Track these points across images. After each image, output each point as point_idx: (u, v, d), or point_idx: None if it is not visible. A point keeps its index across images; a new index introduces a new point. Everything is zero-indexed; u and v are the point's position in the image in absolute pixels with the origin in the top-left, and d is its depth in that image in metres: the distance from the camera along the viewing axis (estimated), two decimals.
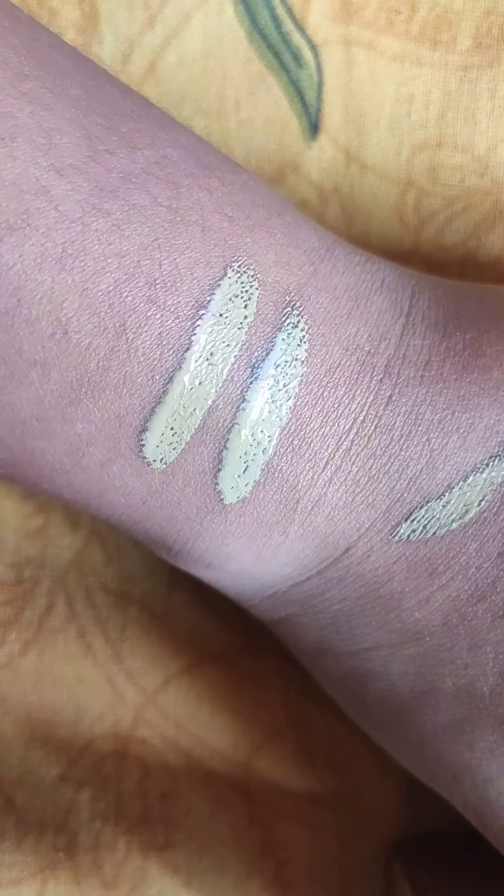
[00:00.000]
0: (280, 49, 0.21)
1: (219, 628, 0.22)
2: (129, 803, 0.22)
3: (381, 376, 0.17)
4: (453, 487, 0.16)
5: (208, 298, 0.16)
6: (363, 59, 0.21)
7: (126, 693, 0.22)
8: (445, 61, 0.21)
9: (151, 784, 0.22)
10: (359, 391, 0.16)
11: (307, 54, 0.21)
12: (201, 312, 0.16)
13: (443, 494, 0.16)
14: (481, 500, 0.16)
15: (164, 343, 0.15)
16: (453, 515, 0.16)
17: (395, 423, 0.16)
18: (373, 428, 0.16)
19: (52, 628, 0.22)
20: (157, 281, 0.15)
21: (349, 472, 0.16)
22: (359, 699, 0.18)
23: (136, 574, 0.22)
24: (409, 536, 0.17)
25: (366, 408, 0.16)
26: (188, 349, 0.15)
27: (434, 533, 0.16)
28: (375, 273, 0.17)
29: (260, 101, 0.21)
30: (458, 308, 0.17)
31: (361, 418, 0.16)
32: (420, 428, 0.16)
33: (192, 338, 0.15)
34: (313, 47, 0.21)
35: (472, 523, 0.16)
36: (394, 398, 0.17)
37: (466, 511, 0.16)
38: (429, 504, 0.16)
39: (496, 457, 0.16)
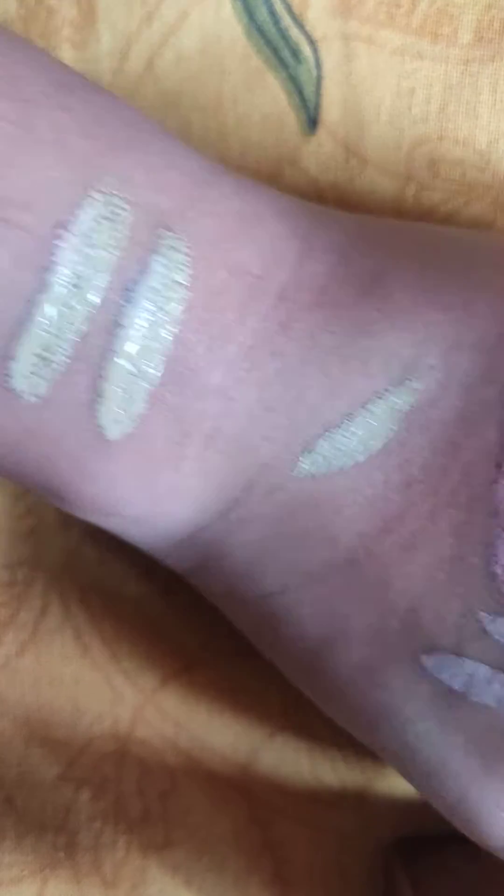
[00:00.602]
0: (278, 45, 0.21)
1: (216, 626, 0.23)
2: (128, 803, 0.23)
3: (273, 301, 0.16)
4: (355, 416, 0.16)
5: (69, 219, 0.15)
6: (363, 52, 0.21)
7: (125, 693, 0.23)
8: (447, 55, 0.22)
9: (151, 784, 0.23)
10: (250, 317, 0.16)
11: (306, 49, 0.21)
12: (60, 232, 0.15)
13: (344, 424, 0.16)
14: (385, 429, 0.16)
15: (21, 264, 0.15)
16: (357, 446, 0.16)
17: (289, 349, 0.16)
18: (266, 355, 0.16)
19: (48, 629, 0.22)
20: (11, 201, 0.15)
21: (243, 403, 0.16)
22: (275, 646, 0.18)
23: (131, 573, 0.23)
24: (311, 471, 0.16)
25: (258, 334, 0.16)
26: (49, 270, 0.15)
27: (338, 466, 0.16)
28: (271, 200, 0.17)
29: (258, 96, 0.21)
30: (362, 234, 0.17)
31: (253, 344, 0.16)
32: (317, 354, 0.16)
33: (53, 259, 0.15)
34: (312, 42, 0.21)
35: (377, 454, 0.16)
36: (288, 324, 0.16)
37: (370, 441, 0.16)
38: (330, 435, 0.16)
39: (399, 383, 0.16)
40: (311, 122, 0.22)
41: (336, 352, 0.16)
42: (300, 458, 0.16)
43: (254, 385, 0.16)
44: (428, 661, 0.16)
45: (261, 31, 0.21)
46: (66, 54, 0.21)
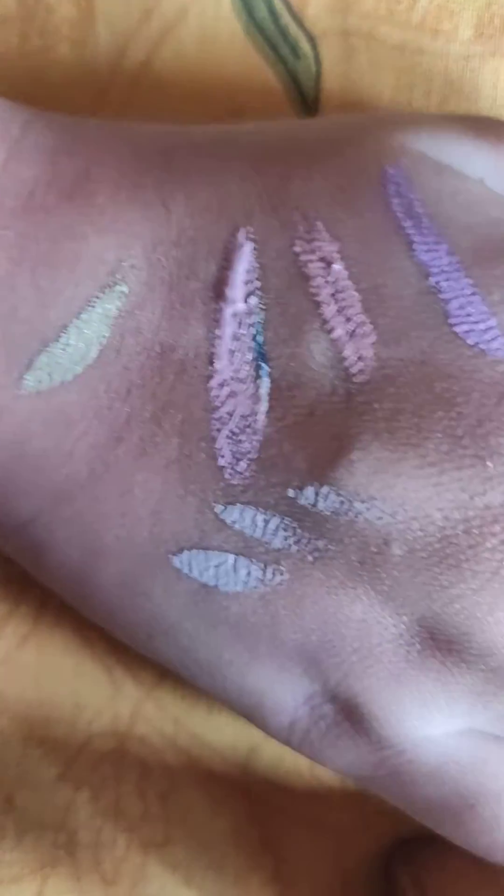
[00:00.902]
0: (277, 42, 0.22)
1: None
2: (128, 803, 0.23)
3: None
4: (69, 326, 0.16)
5: None
6: (363, 48, 0.22)
7: (124, 686, 0.23)
8: (447, 50, 0.22)
9: (150, 783, 0.23)
10: None
11: (305, 46, 0.22)
12: None
13: (61, 336, 0.16)
14: (98, 337, 0.16)
15: None
16: (73, 357, 0.16)
17: None
18: None
19: (48, 622, 0.23)
20: None
21: None
22: (45, 574, 0.18)
23: None
24: (36, 388, 0.16)
25: None
26: None
27: (60, 380, 0.16)
28: None
29: (257, 93, 0.22)
30: (74, 134, 0.17)
31: None
32: (26, 264, 0.16)
33: None
34: (311, 39, 0.22)
35: (95, 364, 0.16)
36: None
37: (88, 350, 0.16)
38: (48, 349, 0.16)
39: (106, 287, 0.16)
40: (310, 118, 0.22)
41: (45, 260, 0.16)
42: (24, 377, 0.16)
43: None
44: (177, 562, 0.17)
45: (260, 29, 0.22)
46: (65, 52, 0.21)
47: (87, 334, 0.16)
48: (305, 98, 0.22)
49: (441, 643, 0.16)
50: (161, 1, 0.21)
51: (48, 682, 0.23)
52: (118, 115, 0.22)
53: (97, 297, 0.16)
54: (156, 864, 0.23)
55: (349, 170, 0.17)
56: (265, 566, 0.16)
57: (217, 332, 0.16)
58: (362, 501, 0.15)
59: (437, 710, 0.17)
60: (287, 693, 0.17)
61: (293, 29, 0.22)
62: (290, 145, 0.17)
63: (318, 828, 0.23)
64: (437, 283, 0.16)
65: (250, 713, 0.18)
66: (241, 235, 0.16)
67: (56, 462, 0.17)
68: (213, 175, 0.17)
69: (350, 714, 0.17)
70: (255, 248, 0.16)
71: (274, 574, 0.16)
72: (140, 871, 0.23)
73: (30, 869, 0.23)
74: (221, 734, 0.23)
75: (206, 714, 0.23)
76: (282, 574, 0.16)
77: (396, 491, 0.15)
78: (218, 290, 0.16)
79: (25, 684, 0.23)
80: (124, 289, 0.16)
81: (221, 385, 0.16)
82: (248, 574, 0.16)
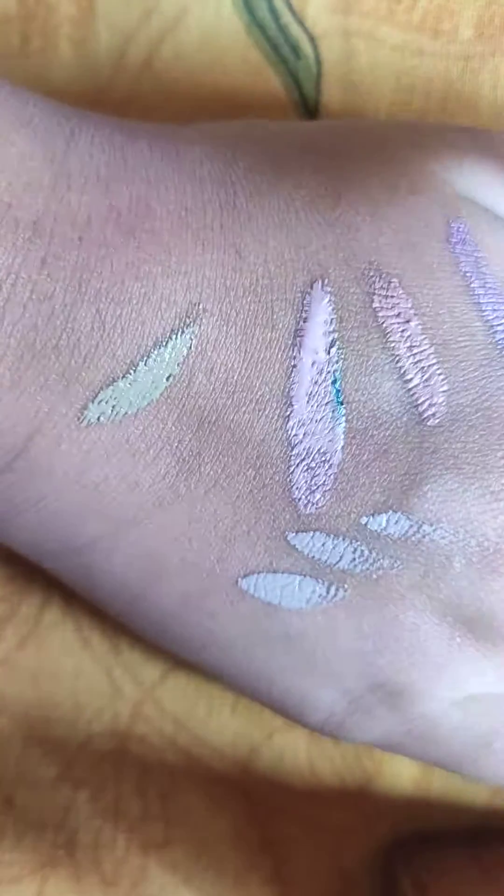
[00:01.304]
0: (278, 41, 0.22)
1: None
2: (128, 802, 0.23)
3: (29, 234, 0.15)
4: (137, 365, 0.16)
5: None
6: (363, 48, 0.22)
7: (124, 687, 0.23)
8: (447, 51, 0.22)
9: (150, 783, 0.23)
10: (4, 251, 0.15)
11: (306, 46, 0.22)
12: None
13: (128, 372, 0.16)
14: (170, 375, 0.16)
15: None
16: (141, 391, 0.16)
17: (54, 290, 0.16)
18: (28, 295, 0.16)
19: (49, 623, 0.23)
20: None
21: (8, 347, 0.16)
22: (95, 593, 0.19)
23: None
24: (99, 419, 0.16)
25: (14, 270, 0.15)
26: None
27: (125, 412, 0.16)
28: (20, 109, 0.16)
29: (257, 93, 0.22)
30: (124, 152, 0.17)
31: (11, 282, 0.15)
32: (87, 297, 0.16)
33: None
34: (312, 39, 0.22)
35: (166, 398, 0.16)
36: (48, 261, 0.16)
37: (155, 388, 0.16)
38: (115, 384, 0.16)
39: (176, 329, 0.16)
40: (311, 118, 0.22)
41: (107, 296, 0.16)
42: (88, 407, 0.16)
43: (18, 328, 0.16)
44: (244, 584, 0.18)
45: (261, 28, 0.22)
46: (66, 52, 0.22)
47: (156, 372, 0.16)
48: (306, 100, 0.22)
49: (478, 633, 0.18)
50: (161, 0, 0.22)
51: (48, 683, 0.23)
52: (119, 115, 0.22)
53: (166, 337, 0.16)
54: (156, 865, 0.23)
55: (415, 223, 0.17)
56: (329, 584, 0.17)
57: (296, 377, 0.17)
58: (430, 525, 0.17)
59: (469, 686, 0.18)
60: (329, 691, 0.19)
61: (294, 28, 0.22)
62: (346, 181, 0.18)
63: (318, 828, 0.23)
64: (501, 339, 0.17)
65: (285, 710, 0.19)
66: (317, 287, 0.17)
67: (120, 490, 0.17)
68: (280, 217, 0.17)
69: (388, 699, 0.18)
70: (331, 300, 0.17)
71: (337, 591, 0.17)
72: (140, 872, 0.23)
73: (30, 869, 0.23)
74: (221, 734, 0.23)
75: (206, 714, 0.23)
76: (345, 591, 0.17)
77: (460, 515, 0.17)
78: (297, 340, 0.17)
79: (25, 684, 0.23)
80: (195, 330, 0.16)
81: (300, 424, 0.17)
82: (313, 592, 0.18)
